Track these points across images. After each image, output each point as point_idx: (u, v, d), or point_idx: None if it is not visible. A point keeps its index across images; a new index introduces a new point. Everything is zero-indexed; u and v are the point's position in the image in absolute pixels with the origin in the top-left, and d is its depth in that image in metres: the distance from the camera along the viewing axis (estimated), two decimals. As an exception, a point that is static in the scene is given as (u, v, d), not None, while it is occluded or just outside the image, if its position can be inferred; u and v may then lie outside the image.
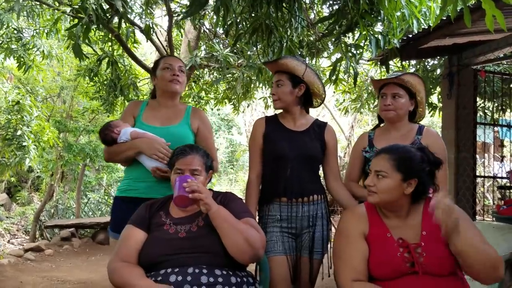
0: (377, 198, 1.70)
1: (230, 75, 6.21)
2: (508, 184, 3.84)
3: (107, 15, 3.81)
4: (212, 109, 8.72)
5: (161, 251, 1.74)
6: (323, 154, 2.28)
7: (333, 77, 3.97)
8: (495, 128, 4.80)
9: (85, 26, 3.66)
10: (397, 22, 3.33)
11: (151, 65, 2.87)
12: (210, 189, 2.01)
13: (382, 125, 2.41)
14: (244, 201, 2.10)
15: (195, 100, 7.69)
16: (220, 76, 6.11)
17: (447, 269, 1.62)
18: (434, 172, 1.74)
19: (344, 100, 7.41)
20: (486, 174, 4.70)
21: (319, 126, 2.31)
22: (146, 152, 2.09)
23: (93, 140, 10.33)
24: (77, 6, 3.95)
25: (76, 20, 3.96)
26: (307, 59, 5.88)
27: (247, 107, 8.77)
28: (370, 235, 1.72)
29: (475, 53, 3.69)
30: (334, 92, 7.33)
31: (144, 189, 2.17)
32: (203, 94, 7.68)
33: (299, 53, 5.46)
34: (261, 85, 6.12)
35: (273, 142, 2.23)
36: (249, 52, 5.20)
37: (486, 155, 5.20)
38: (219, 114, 15.25)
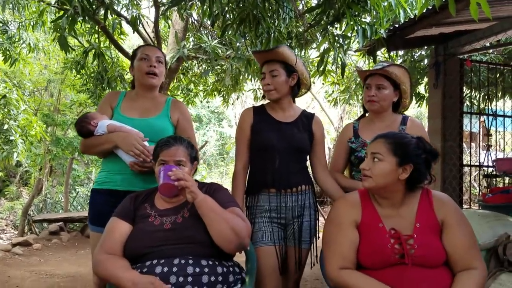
0: (372, 182, 1.68)
1: (218, 66, 6.18)
2: (494, 173, 3.88)
3: (93, 6, 3.76)
4: (201, 102, 8.68)
5: (146, 243, 1.73)
6: (311, 145, 2.28)
7: (321, 68, 3.99)
8: (482, 118, 4.84)
9: (70, 18, 3.62)
10: (384, 12, 3.35)
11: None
12: (195, 180, 2.01)
13: (367, 115, 2.43)
14: (230, 191, 2.10)
15: (183, 92, 7.65)
16: (208, 67, 6.07)
17: (437, 261, 1.62)
18: (430, 162, 1.73)
19: (333, 91, 7.42)
20: (474, 163, 4.73)
21: (307, 117, 2.31)
22: (123, 148, 2.06)
23: (82, 134, 10.21)
24: (62, -2, 3.89)
25: (61, 12, 3.91)
26: (296, 50, 5.88)
27: (237, 99, 8.74)
28: (362, 224, 1.71)
29: (460, 43, 3.71)
30: (323, 83, 7.35)
31: (120, 181, 2.14)
32: (192, 86, 7.64)
33: (288, 44, 5.46)
34: (250, 77, 6.10)
35: (261, 133, 2.21)
36: (237, 44, 5.17)
37: (473, 144, 5.25)
38: (208, 107, 15.19)
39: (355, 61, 7.18)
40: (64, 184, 8.57)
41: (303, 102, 13.25)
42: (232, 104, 8.62)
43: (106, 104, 2.25)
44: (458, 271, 1.63)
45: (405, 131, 2.21)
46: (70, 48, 4.52)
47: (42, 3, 5.07)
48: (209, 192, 1.89)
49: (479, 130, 4.47)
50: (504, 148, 4.80)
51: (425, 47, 4.61)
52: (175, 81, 7.10)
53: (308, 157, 2.33)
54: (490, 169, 4.13)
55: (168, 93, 7.02)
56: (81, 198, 9.04)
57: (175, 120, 2.29)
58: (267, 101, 2.33)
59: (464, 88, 5.00)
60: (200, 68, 7.06)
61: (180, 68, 6.84)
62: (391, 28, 3.66)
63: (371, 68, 2.33)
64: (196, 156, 1.98)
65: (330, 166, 2.40)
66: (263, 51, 2.31)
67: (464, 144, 6.01)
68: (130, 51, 5.79)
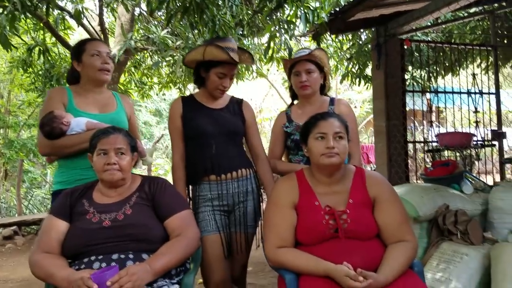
0: (339, 158, 1.75)
1: (170, 58, 6.10)
2: (437, 147, 4.03)
3: (34, 1, 3.62)
4: (157, 95, 8.53)
5: (84, 241, 1.68)
6: (244, 129, 2.30)
7: (269, 55, 4.03)
8: (428, 95, 5.00)
9: (10, 15, 3.47)
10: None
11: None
12: (137, 174, 1.97)
13: (295, 102, 2.52)
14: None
15: (137, 86, 7.51)
16: (160, 59, 5.97)
17: (369, 234, 1.71)
18: None
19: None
20: (426, 141, 4.86)
21: (237, 103, 2.34)
22: None
23: (35, 135, 9.93)
24: (-1, -6, 3.73)
25: (0, 9, 3.75)
26: (249, 38, 5.89)
27: (193, 90, 8.67)
28: (299, 204, 1.78)
29: (399, 23, 3.80)
30: (277, 70, 7.40)
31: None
32: (145, 79, 7.51)
33: (240, 32, 5.45)
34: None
35: (193, 121, 2.20)
36: (187, 34, 5.12)
37: (424, 122, 5.42)
38: (165, 100, 14.94)
39: (308, 46, 7.25)
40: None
41: (261, 90, 13.29)
42: (189, 95, 8.55)
43: (57, 101, 2.14)
44: (390, 244, 1.71)
45: (333, 110, 2.32)
46: (12, 46, 4.35)
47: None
48: (153, 191, 1.86)
49: (422, 108, 4.61)
50: (446, 122, 4.97)
51: (369, 29, 4.70)
52: (126, 74, 6.96)
53: (245, 141, 2.36)
54: (435, 144, 4.28)
55: (121, 87, 6.89)
56: (36, 201, 8.77)
57: (128, 114, 2.30)
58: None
59: (410, 67, 5.16)
60: (153, 60, 6.94)
61: (132, 61, 6.71)
62: (333, 12, 3.71)
63: (296, 56, 2.38)
64: (135, 146, 1.95)
65: (268, 153, 2.43)
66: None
67: (416, 122, 6.20)
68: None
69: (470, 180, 3.26)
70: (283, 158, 2.47)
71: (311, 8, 3.47)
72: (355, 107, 14.00)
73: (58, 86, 3.48)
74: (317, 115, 1.86)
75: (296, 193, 1.81)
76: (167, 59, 6.06)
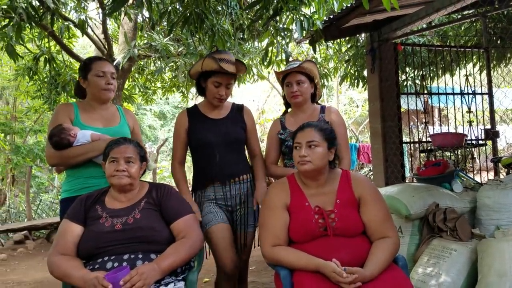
0: (311, 165, 1.89)
1: (173, 63, 6.25)
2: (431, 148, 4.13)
3: (39, 13, 3.76)
4: (160, 98, 8.71)
5: (97, 244, 1.85)
6: (245, 135, 2.48)
7: (266, 61, 4.17)
8: (426, 97, 5.10)
9: (16, 26, 3.62)
10: (319, 4, 3.53)
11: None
12: (145, 181, 2.13)
13: (289, 110, 2.68)
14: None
15: (141, 91, 7.68)
16: (163, 65, 6.13)
17: (356, 231, 1.87)
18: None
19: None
20: (421, 141, 4.96)
21: (238, 109, 2.52)
22: None
23: (42, 140, 10.11)
24: (5, 6, 3.88)
25: (7, 20, 3.90)
26: (249, 42, 6.02)
27: (195, 94, 8.80)
28: (291, 205, 1.95)
29: (392, 28, 3.92)
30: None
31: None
32: (149, 84, 7.68)
33: (240, 36, 5.58)
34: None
35: (197, 133, 2.39)
36: (188, 40, 5.26)
37: (418, 123, 5.54)
38: (168, 103, 15.11)
39: (307, 49, 7.38)
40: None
41: (263, 91, 13.42)
42: (192, 99, 8.70)
43: (65, 116, 2.30)
44: (374, 240, 1.87)
45: (324, 118, 2.47)
46: (18, 56, 4.50)
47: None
48: (160, 197, 2.02)
49: (416, 109, 4.72)
50: (447, 121, 5.04)
51: (364, 34, 4.82)
52: (130, 80, 7.13)
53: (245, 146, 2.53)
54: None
55: (126, 92, 7.05)
56: (45, 205, 8.94)
57: (131, 126, 2.47)
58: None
59: (407, 69, 5.27)
60: (156, 66, 7.10)
61: (136, 67, 6.87)
62: (327, 19, 3.83)
63: (287, 68, 2.54)
64: (144, 156, 2.11)
65: (265, 159, 2.59)
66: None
67: (417, 122, 6.28)
68: (84, 52, 5.75)
69: (463, 178, 3.37)
70: (279, 163, 2.62)
71: (306, 16, 3.61)
72: (357, 106, 14.10)
73: (66, 102, 3.64)
74: (300, 126, 2.02)
75: (288, 195, 1.97)
76: (169, 65, 6.22)
